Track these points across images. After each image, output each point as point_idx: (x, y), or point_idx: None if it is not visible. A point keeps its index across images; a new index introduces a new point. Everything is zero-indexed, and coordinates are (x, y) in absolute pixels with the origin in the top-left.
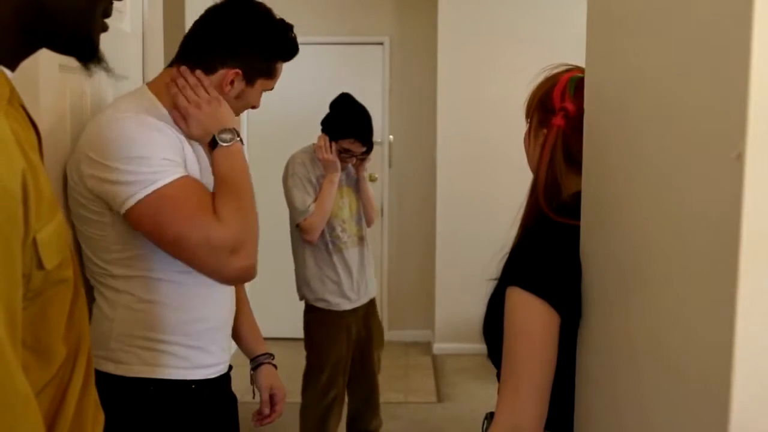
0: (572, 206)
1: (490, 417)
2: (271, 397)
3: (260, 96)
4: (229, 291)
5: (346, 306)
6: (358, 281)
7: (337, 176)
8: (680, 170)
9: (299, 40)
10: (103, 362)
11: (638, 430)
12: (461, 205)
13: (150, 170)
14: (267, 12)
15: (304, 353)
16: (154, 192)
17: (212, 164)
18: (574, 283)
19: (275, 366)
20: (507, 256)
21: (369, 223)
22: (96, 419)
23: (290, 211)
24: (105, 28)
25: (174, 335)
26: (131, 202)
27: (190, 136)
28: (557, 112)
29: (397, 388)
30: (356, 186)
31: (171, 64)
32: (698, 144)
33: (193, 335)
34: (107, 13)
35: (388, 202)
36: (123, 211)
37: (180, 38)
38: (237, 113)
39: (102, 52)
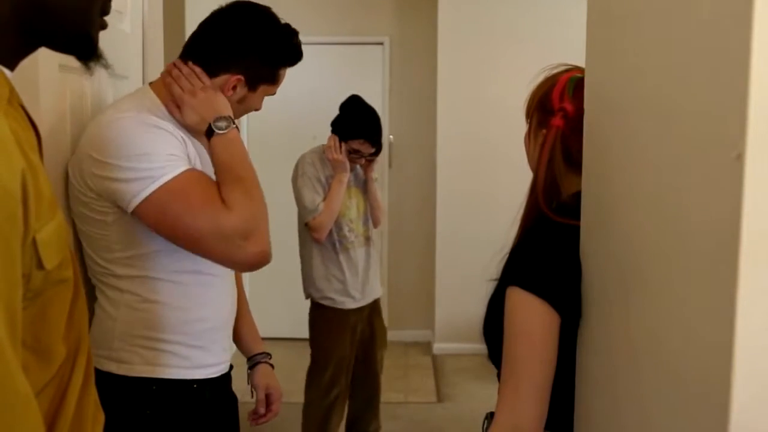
0: (572, 206)
1: (490, 417)
2: (268, 396)
3: (262, 100)
4: (231, 291)
5: (351, 305)
6: (363, 281)
7: (346, 176)
8: (680, 170)
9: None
10: (106, 362)
11: (638, 431)
12: (461, 205)
13: (155, 166)
14: (272, 18)
15: (303, 353)
16: (160, 187)
17: (211, 155)
18: (574, 283)
19: (272, 366)
20: (507, 256)
21: (375, 224)
22: (96, 419)
23: (299, 209)
24: (104, 26)
25: (176, 335)
26: (139, 200)
27: (185, 125)
28: (556, 112)
29: (397, 388)
30: (364, 187)
31: None
32: (698, 144)
33: (194, 335)
34: (105, 11)
35: (388, 202)
36: (131, 209)
37: (180, 38)
38: (238, 116)
39: (101, 50)
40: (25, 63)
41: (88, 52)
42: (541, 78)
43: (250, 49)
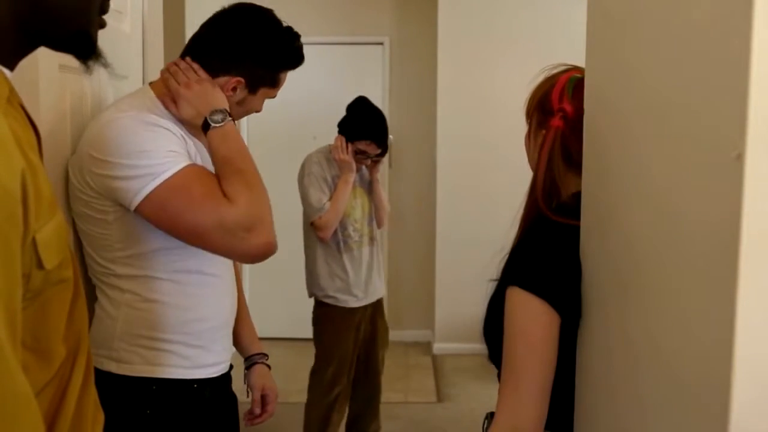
0: (572, 206)
1: (490, 417)
2: (264, 397)
3: (263, 102)
4: (231, 291)
5: (353, 303)
6: (366, 280)
7: (352, 176)
8: (680, 170)
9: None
10: (106, 362)
11: (638, 431)
12: (461, 205)
13: (155, 162)
14: (274, 21)
15: (303, 353)
16: (161, 184)
17: (209, 149)
18: (574, 283)
19: (269, 366)
20: (507, 256)
21: (379, 225)
22: (96, 419)
23: (305, 208)
24: (102, 25)
25: (176, 334)
26: (141, 197)
27: (181, 120)
28: (556, 113)
29: (397, 388)
30: (369, 187)
31: None
32: (698, 144)
33: (195, 334)
34: (104, 10)
35: (387, 202)
36: (133, 206)
37: (180, 38)
38: (237, 118)
39: (100, 49)
40: (25, 63)
41: (87, 51)
42: (540, 78)
43: (251, 51)
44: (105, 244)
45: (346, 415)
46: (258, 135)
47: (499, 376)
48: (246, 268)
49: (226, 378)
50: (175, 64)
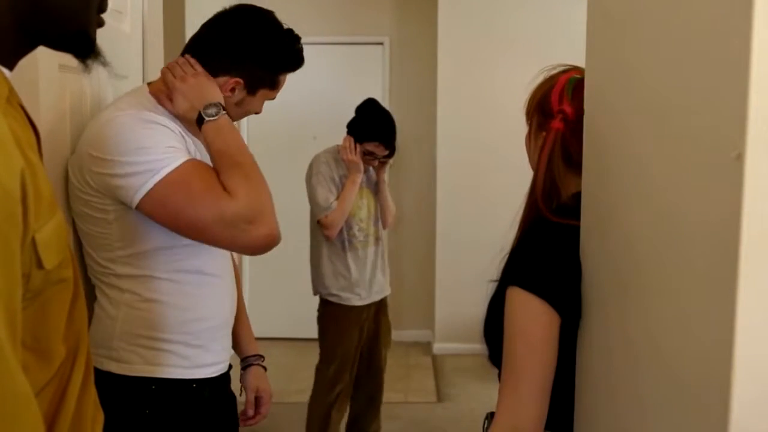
0: (572, 207)
1: (490, 417)
2: (258, 399)
3: (262, 104)
4: (231, 290)
5: (356, 302)
6: (371, 279)
7: (360, 177)
8: (680, 171)
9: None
10: (105, 361)
11: (638, 431)
12: (461, 205)
13: (154, 159)
14: (274, 23)
15: (303, 353)
16: (161, 180)
17: (206, 145)
18: (574, 283)
19: (264, 368)
20: (506, 257)
21: (384, 225)
22: (95, 419)
23: (312, 207)
24: (101, 24)
25: (175, 334)
26: (141, 194)
27: (177, 114)
28: (555, 115)
29: (397, 388)
30: (375, 188)
31: None
32: (698, 144)
33: (194, 334)
34: (103, 8)
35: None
36: (135, 204)
37: (180, 38)
38: (236, 119)
39: (99, 47)
40: (25, 63)
41: (86, 50)
42: (540, 79)
43: (250, 53)
44: (105, 244)
45: (347, 414)
46: (258, 135)
47: (499, 376)
48: (246, 268)
49: (225, 378)
50: (174, 61)
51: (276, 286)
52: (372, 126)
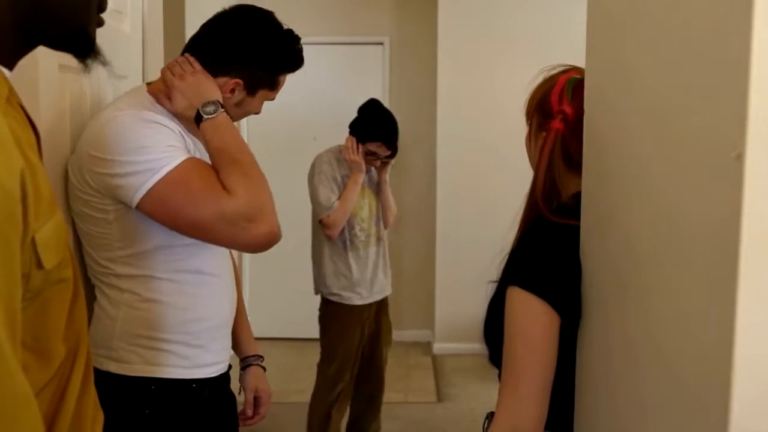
0: (572, 207)
1: (490, 417)
2: (257, 399)
3: (262, 104)
4: (231, 290)
5: (357, 301)
6: (372, 279)
7: (362, 177)
8: (680, 171)
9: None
10: (105, 361)
11: (638, 431)
12: (461, 205)
13: (153, 158)
14: (274, 24)
15: (303, 353)
16: (161, 179)
17: (204, 143)
18: (574, 284)
19: (264, 368)
20: (506, 257)
21: (386, 226)
22: (95, 419)
23: (314, 206)
24: (101, 23)
25: (175, 334)
26: (141, 193)
27: (175, 113)
28: (555, 115)
29: (397, 388)
30: (377, 188)
31: None
32: (698, 144)
33: (194, 334)
34: (102, 8)
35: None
36: (135, 203)
37: (180, 38)
38: (236, 120)
39: (99, 47)
40: (25, 62)
41: (85, 50)
42: (540, 79)
43: (250, 54)
44: (104, 244)
45: (347, 414)
46: (258, 135)
47: (499, 376)
48: (246, 268)
49: (224, 378)
50: (174, 60)
51: (276, 286)
52: (374, 126)
